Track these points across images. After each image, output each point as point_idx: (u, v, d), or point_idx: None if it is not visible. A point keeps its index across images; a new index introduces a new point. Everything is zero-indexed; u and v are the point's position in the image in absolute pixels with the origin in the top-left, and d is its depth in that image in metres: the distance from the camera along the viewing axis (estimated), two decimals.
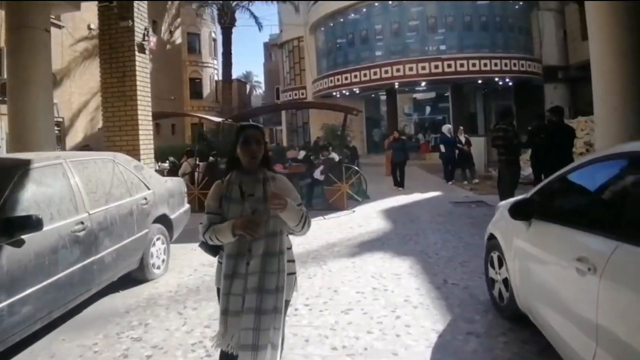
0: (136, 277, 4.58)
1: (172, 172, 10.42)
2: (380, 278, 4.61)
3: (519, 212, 2.89)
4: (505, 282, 3.40)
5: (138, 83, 6.92)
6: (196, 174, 9.58)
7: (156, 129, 24.40)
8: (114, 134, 6.93)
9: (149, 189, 4.79)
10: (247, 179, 2.14)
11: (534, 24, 23.24)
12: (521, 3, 22.39)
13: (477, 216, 7.92)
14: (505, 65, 20.44)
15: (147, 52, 7.21)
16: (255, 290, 2.03)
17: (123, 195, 4.28)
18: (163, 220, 5.01)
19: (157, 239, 4.85)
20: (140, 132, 6.91)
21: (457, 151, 12.80)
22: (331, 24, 24.56)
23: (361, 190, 10.03)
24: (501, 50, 20.97)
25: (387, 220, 7.82)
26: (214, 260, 2.33)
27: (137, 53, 6.93)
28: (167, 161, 11.48)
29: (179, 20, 28.07)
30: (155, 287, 4.57)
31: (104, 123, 7.14)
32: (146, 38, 7.16)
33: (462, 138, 12.66)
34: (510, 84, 22.38)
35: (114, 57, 6.94)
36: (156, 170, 10.72)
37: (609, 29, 5.32)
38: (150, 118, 7.28)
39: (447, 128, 13.05)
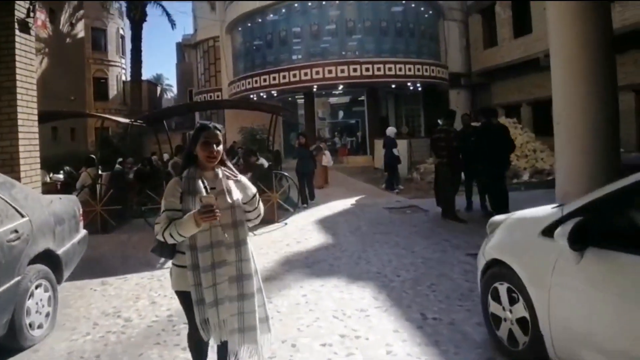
0: (5, 345, 3.22)
1: (68, 185, 8.67)
2: (345, 318, 3.72)
3: (578, 238, 2.15)
4: (522, 322, 2.70)
5: (18, 71, 5.34)
6: (98, 186, 7.96)
7: (52, 133, 21.40)
8: None
9: (22, 216, 3.45)
10: (206, 174, 2.26)
11: (440, 33, 24.11)
12: (430, 12, 23.07)
13: (418, 223, 7.43)
14: (418, 70, 20.88)
15: (32, 32, 5.66)
16: (235, 279, 2.18)
17: None
18: (46, 257, 3.68)
19: (37, 287, 3.51)
20: (21, 135, 5.33)
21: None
22: (249, 24, 23.39)
23: (289, 199, 9.12)
24: (415, 55, 21.39)
25: (325, 233, 7.00)
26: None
27: (17, 33, 5.36)
28: (62, 172, 9.56)
29: (81, 12, 24.90)
30: None
31: None
32: (31, 14, 5.60)
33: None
34: (420, 89, 22.97)
35: None
36: (46, 184, 8.93)
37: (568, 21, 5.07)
38: (36, 118, 5.73)
39: (391, 130, 12.45)
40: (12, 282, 3.19)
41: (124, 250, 6.49)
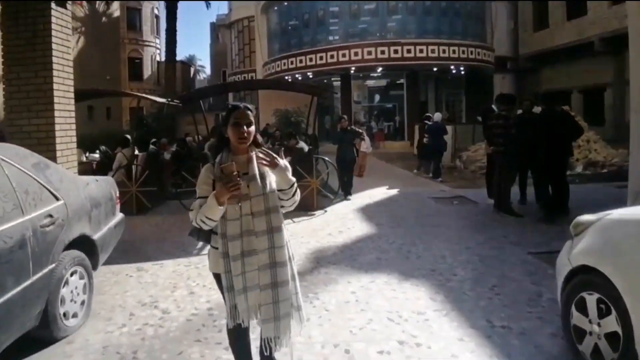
0: (38, 337, 2.99)
1: (104, 165, 8.53)
2: (402, 321, 3.32)
3: None
4: (612, 337, 2.37)
5: (54, 47, 5.10)
6: (133, 167, 7.79)
7: (88, 112, 21.66)
8: (20, 116, 5.12)
9: (57, 199, 3.19)
10: (238, 159, 2.13)
11: (487, 14, 22.88)
12: None
13: (468, 216, 6.93)
14: (463, 52, 19.90)
15: (68, 6, 5.41)
16: (267, 266, 2.11)
17: (7, 215, 2.67)
18: (81, 243, 3.42)
19: (72, 274, 3.26)
20: (57, 113, 5.14)
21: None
22: (285, 3, 22.85)
23: (328, 186, 8.72)
24: (459, 37, 20.37)
25: (368, 222, 6.58)
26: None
27: (53, 6, 5.10)
28: (98, 151, 9.46)
29: None
30: (67, 354, 2.99)
31: (5, 101, 5.29)
32: None
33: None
34: (463, 72, 21.94)
35: (21, 11, 5.07)
36: (82, 163, 8.85)
37: None
38: (72, 95, 5.51)
39: (438, 116, 11.95)
40: (46, 270, 2.94)
41: (159, 233, 6.28)
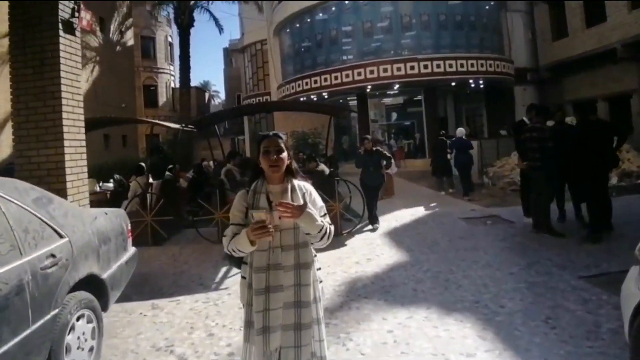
0: None
1: (119, 194, 8.32)
2: None
3: None
4: None
5: (63, 75, 4.91)
6: (148, 195, 7.52)
7: (104, 141, 21.83)
8: (29, 147, 4.89)
9: (61, 236, 2.87)
10: (273, 189, 2.09)
11: (503, 25, 22.53)
12: (492, 3, 21.59)
13: (505, 237, 6.43)
14: (481, 65, 19.41)
15: (77, 32, 5.24)
16: (292, 305, 1.99)
17: (2, 257, 2.35)
18: (89, 284, 3.09)
19: (79, 318, 2.92)
20: (67, 142, 4.90)
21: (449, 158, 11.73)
22: (297, 25, 22.86)
23: (350, 209, 8.28)
24: (477, 50, 19.97)
25: (398, 248, 6.14)
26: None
27: (61, 34, 4.93)
28: (112, 180, 9.26)
29: (130, 20, 25.45)
30: None
31: (14, 132, 5.08)
32: (76, 14, 5.16)
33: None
34: (482, 86, 21.47)
35: (29, 39, 4.91)
36: (96, 193, 8.65)
37: None
38: (82, 124, 5.30)
39: (461, 131, 11.64)
40: (48, 316, 2.60)
41: (175, 266, 5.93)
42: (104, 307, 3.34)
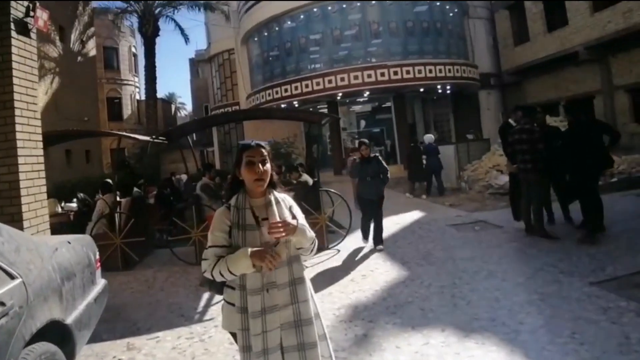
0: None
1: (83, 215, 7.59)
2: None
3: None
4: None
5: (16, 82, 4.30)
6: (117, 215, 6.86)
7: (66, 157, 20.61)
8: None
9: (12, 277, 2.32)
10: (255, 203, 1.96)
11: (466, 32, 22.89)
12: (455, 10, 21.88)
13: (499, 243, 6.19)
14: (449, 71, 19.59)
15: (32, 34, 4.64)
16: (292, 324, 1.89)
17: None
18: (51, 332, 2.54)
19: None
20: (21, 160, 4.29)
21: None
22: (265, 33, 22.46)
23: (333, 221, 7.82)
24: (444, 56, 20.13)
25: (392, 261, 5.75)
26: None
27: (14, 35, 4.33)
28: (76, 200, 8.49)
29: (92, 29, 24.31)
30: None
31: None
32: (31, 13, 4.56)
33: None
34: (449, 91, 21.69)
35: None
36: (58, 214, 7.89)
37: None
38: (40, 138, 4.69)
39: (430, 137, 12.39)
40: None
41: (150, 294, 5.32)
42: (70, 358, 2.78)
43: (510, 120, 6.99)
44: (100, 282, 3.41)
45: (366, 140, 6.58)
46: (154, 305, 4.80)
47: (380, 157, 6.51)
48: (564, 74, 19.06)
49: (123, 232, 6.69)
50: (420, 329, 3.56)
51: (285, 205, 2.01)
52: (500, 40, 23.05)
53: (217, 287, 2.03)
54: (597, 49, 16.63)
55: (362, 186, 6.40)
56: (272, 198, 1.98)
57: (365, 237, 6.70)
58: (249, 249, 1.82)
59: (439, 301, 4.13)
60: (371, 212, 6.45)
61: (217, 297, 4.73)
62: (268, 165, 1.96)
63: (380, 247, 6.37)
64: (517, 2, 20.85)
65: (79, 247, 3.16)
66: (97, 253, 3.44)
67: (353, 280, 5.06)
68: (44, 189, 4.66)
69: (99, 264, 3.42)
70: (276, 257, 1.81)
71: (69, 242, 3.08)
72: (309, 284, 1.98)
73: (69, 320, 2.71)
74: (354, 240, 6.97)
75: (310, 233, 1.96)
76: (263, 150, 1.95)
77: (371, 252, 6.35)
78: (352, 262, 5.92)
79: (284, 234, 1.83)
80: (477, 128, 21.10)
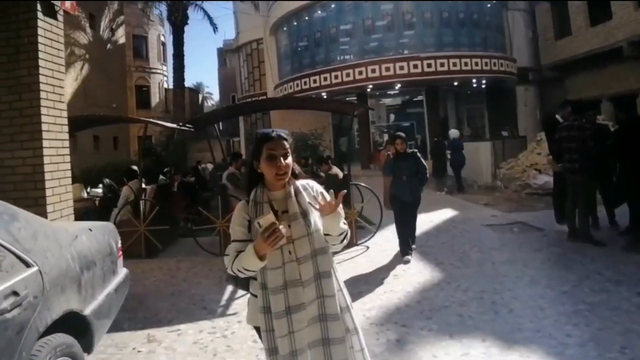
0: None
1: (109, 201, 7.56)
2: None
3: None
4: None
5: (42, 64, 4.20)
6: (141, 202, 6.77)
7: (94, 143, 20.96)
8: (2, 147, 4.18)
9: (28, 265, 2.17)
10: (275, 196, 1.82)
11: (504, 24, 22.04)
12: (494, 1, 21.07)
13: (540, 247, 5.81)
14: (485, 64, 18.88)
15: (59, 16, 4.53)
16: (316, 319, 1.76)
17: None
18: (68, 323, 2.38)
19: None
20: (46, 143, 4.18)
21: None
22: (295, 23, 22.18)
23: (362, 216, 7.53)
24: (480, 48, 19.42)
25: (425, 261, 5.41)
26: None
27: (40, 17, 4.22)
28: (101, 185, 8.45)
29: (122, 17, 24.55)
30: None
31: None
32: None
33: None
34: (484, 85, 20.96)
35: (2, 23, 4.20)
36: (83, 200, 7.89)
37: None
38: (65, 122, 4.58)
39: (455, 132, 12.35)
40: None
41: (173, 284, 5.19)
42: (88, 349, 2.64)
43: (557, 117, 6.54)
44: (122, 272, 3.26)
45: (402, 134, 5.65)
46: (176, 296, 4.66)
47: (418, 154, 5.66)
48: (607, 70, 18.12)
49: (147, 220, 6.59)
50: (458, 337, 3.27)
51: (311, 192, 1.86)
52: (540, 34, 22.06)
53: (243, 282, 1.90)
54: None
55: (397, 186, 5.56)
56: (292, 189, 1.82)
57: (406, 251, 5.52)
58: (252, 245, 1.68)
59: (479, 307, 3.83)
60: (408, 217, 5.63)
61: (241, 292, 4.56)
62: (290, 159, 1.80)
63: (408, 258, 5.45)
64: None
65: (100, 235, 3.01)
66: (120, 241, 3.28)
67: (384, 279, 4.80)
68: (69, 173, 4.55)
69: (121, 252, 3.26)
70: (278, 232, 1.61)
71: (90, 230, 2.92)
72: (338, 277, 1.83)
73: (88, 311, 2.55)
74: (384, 237, 6.68)
75: (343, 221, 1.81)
76: (285, 143, 1.79)
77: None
78: (382, 260, 5.65)
79: (320, 208, 1.73)
80: (513, 125, 20.34)
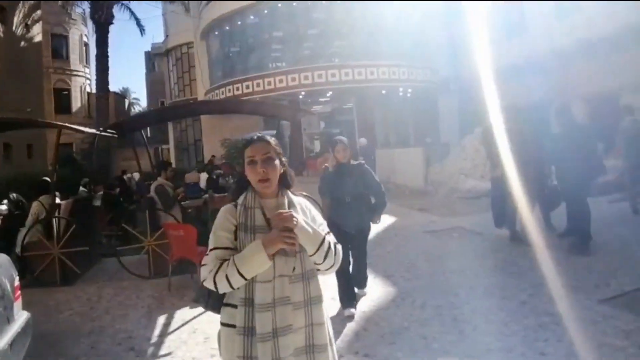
0: None
1: (15, 218, 6.52)
2: None
3: None
4: None
5: None
6: (54, 220, 5.85)
7: (4, 151, 18.76)
8: None
9: None
10: (267, 204, 1.70)
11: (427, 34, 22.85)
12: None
13: (484, 252, 5.85)
14: (412, 74, 19.59)
15: None
16: (303, 350, 1.61)
17: None
18: None
19: None
20: None
21: None
22: (227, 27, 21.47)
23: None
24: (407, 58, 19.83)
25: (374, 274, 5.05)
26: None
27: None
28: (7, 201, 7.30)
29: (38, 12, 22.25)
30: None
31: None
32: None
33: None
34: (409, 94, 21.63)
35: None
36: None
37: None
38: None
39: (363, 141, 12.54)
40: None
41: (93, 318, 4.40)
42: None
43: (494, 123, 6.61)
44: (21, 317, 2.59)
45: (344, 138, 4.11)
46: (97, 334, 3.92)
47: (366, 166, 4.18)
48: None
49: (62, 241, 5.71)
50: None
51: (303, 209, 1.74)
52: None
53: (215, 303, 1.70)
54: None
55: (336, 211, 4.01)
56: (286, 201, 1.70)
57: (349, 302, 4.04)
58: (261, 240, 1.56)
59: (440, 326, 3.57)
60: (355, 254, 4.15)
61: (175, 324, 4.01)
62: (275, 163, 1.69)
63: (352, 311, 3.95)
64: None
65: None
66: (16, 277, 2.62)
67: (334, 299, 4.39)
68: None
69: (19, 292, 2.60)
70: (293, 236, 1.56)
71: None
72: (325, 305, 1.70)
73: None
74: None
75: (315, 232, 1.65)
76: (267, 146, 1.69)
77: None
78: (331, 277, 5.27)
79: (295, 222, 1.57)
80: (435, 131, 21.16)
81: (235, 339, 1.57)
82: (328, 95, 20.13)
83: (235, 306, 1.61)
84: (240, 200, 1.69)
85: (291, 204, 1.70)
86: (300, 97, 19.94)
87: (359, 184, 4.01)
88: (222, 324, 1.66)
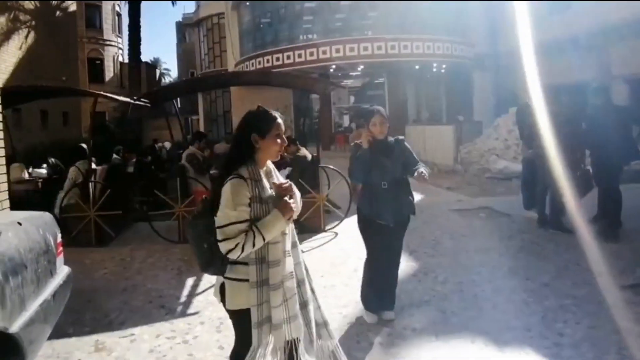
0: None
1: (54, 182, 6.83)
2: None
3: None
4: None
5: None
6: (90, 185, 6.12)
7: (41, 118, 19.43)
8: None
9: None
10: (262, 171, 1.93)
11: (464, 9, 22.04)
12: None
13: (511, 234, 5.75)
14: (447, 49, 18.94)
15: None
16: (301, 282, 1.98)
17: None
18: None
19: None
20: None
21: None
22: None
23: (329, 200, 7.21)
24: (443, 33, 19.28)
25: (404, 252, 5.12)
26: None
27: None
28: (46, 165, 7.65)
29: None
30: None
31: None
32: None
33: None
34: (443, 70, 21.00)
35: None
36: (24, 181, 7.12)
37: None
38: None
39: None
40: None
41: (126, 277, 4.66)
42: None
43: (529, 102, 6.43)
44: (62, 271, 2.77)
45: (381, 108, 3.34)
46: (129, 292, 4.17)
47: (406, 143, 3.39)
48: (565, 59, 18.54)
49: (98, 204, 5.98)
50: (444, 338, 3.03)
51: (275, 172, 2.03)
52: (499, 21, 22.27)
53: (219, 267, 1.88)
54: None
55: (372, 199, 3.24)
56: (271, 166, 1.99)
57: (372, 306, 3.39)
58: (277, 210, 1.82)
59: (460, 302, 3.62)
60: (385, 250, 3.33)
61: (203, 286, 4.18)
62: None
63: (391, 313, 3.37)
64: None
65: (33, 229, 2.51)
66: (59, 234, 2.79)
67: (357, 270, 4.46)
68: (2, 152, 3.93)
69: (61, 248, 2.77)
70: (297, 203, 1.93)
71: (20, 224, 2.41)
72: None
73: (14, 328, 2.07)
74: (353, 222, 6.39)
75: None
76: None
77: None
78: (353, 248, 5.31)
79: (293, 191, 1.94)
80: (469, 109, 20.57)
81: (249, 291, 1.80)
82: (359, 69, 19.77)
83: (246, 264, 1.82)
84: (245, 173, 1.83)
85: (274, 169, 2.01)
86: (331, 70, 19.63)
87: (398, 166, 3.23)
88: (230, 279, 1.86)
